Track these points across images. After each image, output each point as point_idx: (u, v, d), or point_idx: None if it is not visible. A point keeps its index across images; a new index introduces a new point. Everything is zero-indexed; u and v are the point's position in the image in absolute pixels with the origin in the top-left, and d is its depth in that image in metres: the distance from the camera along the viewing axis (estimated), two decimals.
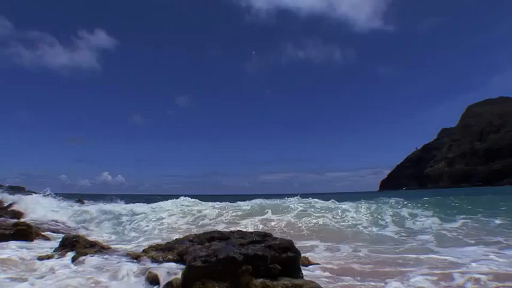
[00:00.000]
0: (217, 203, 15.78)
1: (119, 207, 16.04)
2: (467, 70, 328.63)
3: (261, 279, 4.47)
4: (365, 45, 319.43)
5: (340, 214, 12.77)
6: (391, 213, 12.84)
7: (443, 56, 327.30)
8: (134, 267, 5.62)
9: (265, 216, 12.87)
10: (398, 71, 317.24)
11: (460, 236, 9.74)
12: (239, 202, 15.59)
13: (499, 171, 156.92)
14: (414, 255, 7.37)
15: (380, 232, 10.66)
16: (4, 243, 9.15)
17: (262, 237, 5.38)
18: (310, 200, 14.76)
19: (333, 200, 14.94)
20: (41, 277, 5.48)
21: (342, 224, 11.69)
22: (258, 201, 15.22)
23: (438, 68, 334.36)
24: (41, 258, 6.52)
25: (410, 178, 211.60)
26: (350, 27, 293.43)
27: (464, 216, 12.07)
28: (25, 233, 10.68)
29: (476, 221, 11.38)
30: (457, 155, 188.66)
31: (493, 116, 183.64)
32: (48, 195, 18.85)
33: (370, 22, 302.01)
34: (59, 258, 6.55)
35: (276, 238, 5.30)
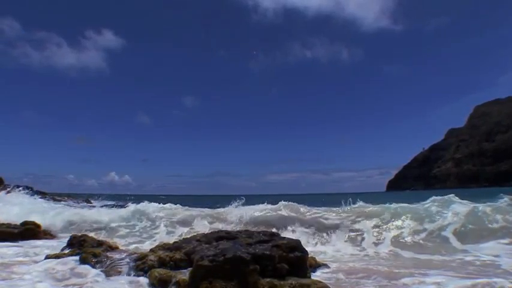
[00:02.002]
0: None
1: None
2: (475, 69, 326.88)
3: (268, 279, 4.45)
4: (372, 44, 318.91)
5: None
6: None
7: (451, 55, 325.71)
8: (140, 267, 5.64)
9: None
10: (406, 70, 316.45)
11: None
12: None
13: (507, 172, 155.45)
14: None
15: None
16: (12, 243, 9.24)
17: (270, 236, 5.37)
18: None
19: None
20: (48, 278, 5.52)
21: None
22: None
23: (446, 68, 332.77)
24: (48, 258, 6.54)
25: (418, 178, 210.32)
26: (357, 26, 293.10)
27: None
28: (33, 232, 10.77)
29: None
30: (464, 155, 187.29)
31: (501, 116, 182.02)
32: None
33: (378, 21, 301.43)
34: (66, 258, 6.58)
35: (284, 238, 5.29)
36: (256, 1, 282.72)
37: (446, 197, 11.03)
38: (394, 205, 10.91)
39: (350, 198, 11.51)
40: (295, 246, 5.00)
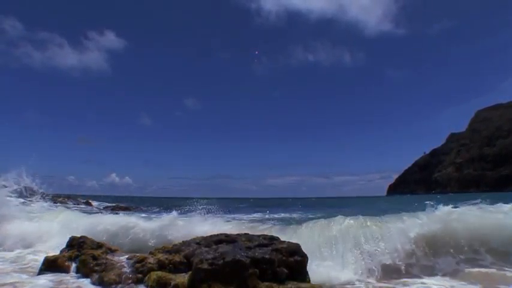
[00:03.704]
0: None
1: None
2: (477, 74, 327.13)
3: (268, 283, 4.45)
4: (374, 48, 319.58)
5: None
6: None
7: (453, 60, 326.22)
8: (139, 269, 5.62)
9: None
10: (408, 74, 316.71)
11: None
12: None
13: (508, 177, 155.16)
14: None
15: None
16: None
17: (270, 240, 5.35)
18: None
19: None
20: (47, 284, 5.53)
21: None
22: None
23: (447, 72, 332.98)
24: (49, 260, 6.51)
25: (418, 183, 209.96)
26: (360, 30, 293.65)
27: None
28: None
29: None
30: (465, 160, 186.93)
31: (502, 121, 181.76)
32: None
33: (380, 25, 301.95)
34: (66, 259, 6.56)
35: (284, 242, 5.27)
36: (259, 4, 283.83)
37: None
38: None
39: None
40: (295, 250, 4.99)
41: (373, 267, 6.16)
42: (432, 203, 7.66)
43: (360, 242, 6.77)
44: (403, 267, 6.26)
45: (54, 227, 9.75)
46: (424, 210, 7.76)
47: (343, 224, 7.38)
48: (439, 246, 6.75)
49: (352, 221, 7.51)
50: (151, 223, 9.09)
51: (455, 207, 7.51)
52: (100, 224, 9.01)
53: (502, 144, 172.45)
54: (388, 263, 6.31)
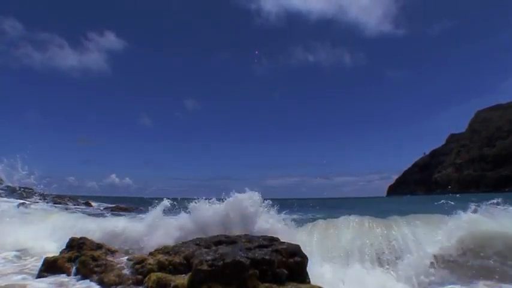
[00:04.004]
0: None
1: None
2: (476, 75, 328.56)
3: (268, 284, 4.44)
4: (374, 48, 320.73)
5: None
6: None
7: (453, 60, 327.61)
8: (139, 271, 5.61)
9: None
10: (408, 75, 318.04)
11: None
12: None
13: (508, 177, 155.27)
14: None
15: None
16: None
17: (270, 241, 5.34)
18: None
19: None
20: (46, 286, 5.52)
21: None
22: None
23: (447, 72, 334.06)
24: (48, 261, 6.51)
25: (418, 183, 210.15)
26: (360, 31, 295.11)
27: None
28: None
29: None
30: (465, 160, 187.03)
31: (502, 122, 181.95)
32: None
33: (380, 26, 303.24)
34: (66, 260, 6.55)
35: (284, 242, 5.27)
36: (259, 5, 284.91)
37: None
38: None
39: None
40: (295, 251, 4.98)
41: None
42: (452, 203, 6.80)
43: (365, 245, 6.53)
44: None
45: (47, 229, 9.63)
46: (438, 212, 7.14)
47: (347, 225, 7.22)
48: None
49: (355, 223, 7.25)
50: (141, 226, 8.71)
51: (475, 210, 6.54)
52: (89, 231, 8.59)
53: (501, 144, 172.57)
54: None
